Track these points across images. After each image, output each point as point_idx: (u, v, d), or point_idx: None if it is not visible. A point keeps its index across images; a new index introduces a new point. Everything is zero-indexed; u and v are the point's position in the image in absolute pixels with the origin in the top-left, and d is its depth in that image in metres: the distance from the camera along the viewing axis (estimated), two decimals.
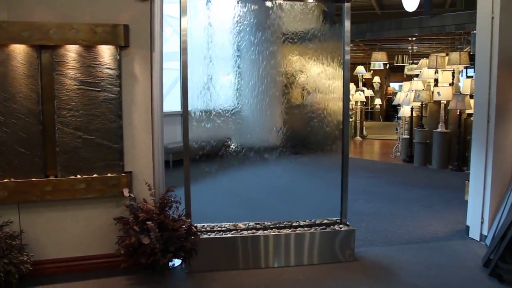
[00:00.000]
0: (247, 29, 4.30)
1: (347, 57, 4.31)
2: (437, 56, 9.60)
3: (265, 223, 4.40)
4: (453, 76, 9.79)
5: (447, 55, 9.62)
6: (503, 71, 4.71)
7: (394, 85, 24.40)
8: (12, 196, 3.72)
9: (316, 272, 4.09)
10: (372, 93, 18.60)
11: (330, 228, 4.30)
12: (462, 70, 9.91)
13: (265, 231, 4.24)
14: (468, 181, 5.29)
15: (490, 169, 4.83)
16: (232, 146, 4.46)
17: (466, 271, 4.16)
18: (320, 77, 4.48)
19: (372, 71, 17.71)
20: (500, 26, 4.65)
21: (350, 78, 4.38)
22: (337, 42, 4.30)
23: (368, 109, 19.92)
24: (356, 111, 14.53)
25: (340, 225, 4.38)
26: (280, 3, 4.28)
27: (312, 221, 4.45)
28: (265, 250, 4.17)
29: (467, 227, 5.17)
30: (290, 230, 4.25)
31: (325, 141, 4.53)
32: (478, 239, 4.97)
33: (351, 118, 14.54)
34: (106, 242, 4.00)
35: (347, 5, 4.23)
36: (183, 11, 3.97)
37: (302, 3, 4.32)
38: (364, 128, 15.11)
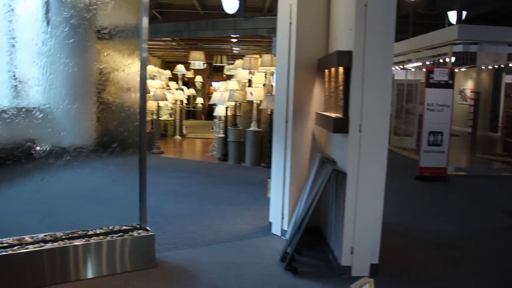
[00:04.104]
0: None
1: (144, 54, 4.07)
2: (251, 57, 9.95)
3: (57, 234, 3.91)
4: (266, 78, 10.26)
5: (261, 57, 10.03)
6: (299, 74, 4.97)
7: (216, 85, 24.97)
8: None
9: (112, 283, 3.77)
10: (194, 92, 18.71)
11: (128, 235, 4.02)
12: (274, 71, 10.43)
13: (55, 243, 3.77)
14: (270, 178, 5.49)
15: (289, 167, 5.07)
16: (23, 148, 3.86)
17: (264, 268, 4.25)
18: (125, 74, 4.15)
19: (193, 70, 17.79)
20: (297, 32, 4.90)
21: (146, 75, 4.14)
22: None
23: (190, 108, 20.01)
24: (176, 110, 14.40)
25: (140, 231, 4.13)
26: None
27: (109, 228, 4.11)
28: (60, 263, 3.71)
29: (270, 223, 5.36)
30: (84, 240, 3.86)
31: (127, 141, 4.21)
32: (279, 234, 5.18)
33: (171, 117, 14.37)
34: None
35: (144, 0, 3.99)
36: None
37: None
38: (184, 127, 15.06)
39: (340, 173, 4.27)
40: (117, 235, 3.98)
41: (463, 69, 16.89)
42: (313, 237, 5.01)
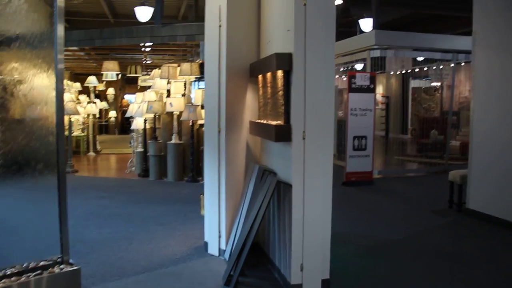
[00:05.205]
0: None
1: (60, 66, 3.51)
2: (169, 66, 9.48)
3: None
4: (185, 87, 9.83)
5: (179, 66, 9.59)
6: (231, 80, 4.64)
7: (129, 97, 24.01)
8: None
9: None
10: (106, 105, 17.73)
11: (48, 272, 3.42)
12: (193, 81, 10.04)
13: None
14: (203, 194, 5.09)
15: (224, 181, 4.70)
16: None
17: None
18: (39, 88, 3.56)
19: (105, 82, 16.86)
20: (228, 35, 4.58)
21: (63, 89, 3.57)
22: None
23: (102, 122, 18.97)
24: (89, 125, 13.49)
25: (62, 266, 3.54)
26: None
27: (24, 266, 3.47)
28: None
29: (206, 243, 4.95)
30: None
31: (42, 160, 3.60)
32: (217, 254, 4.79)
33: (83, 132, 13.44)
34: None
35: (59, 5, 3.43)
36: None
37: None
38: (97, 142, 14.15)
39: (282, 184, 3.98)
40: (33, 273, 3.36)
41: None
42: (253, 254, 4.65)
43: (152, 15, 9.84)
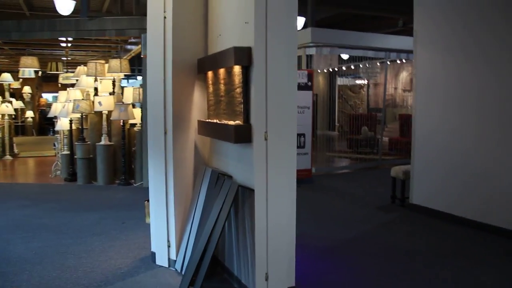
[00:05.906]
0: None
1: None
2: (96, 63, 8.82)
3: None
4: (114, 85, 9.21)
5: (107, 62, 8.96)
6: (177, 77, 4.28)
7: (47, 96, 22.52)
8: None
9: None
10: (22, 104, 16.41)
11: None
12: (122, 79, 9.44)
13: None
14: (148, 201, 4.68)
15: (172, 186, 4.34)
16: None
17: None
18: None
19: (21, 80, 15.58)
20: (174, 27, 4.20)
21: None
22: None
23: (18, 123, 17.56)
24: (4, 126, 12.37)
25: None
26: None
27: None
28: None
29: (153, 254, 4.55)
30: None
31: None
32: (166, 265, 4.42)
33: None
34: None
35: None
36: None
37: None
38: (14, 145, 13.02)
39: (241, 188, 3.70)
40: None
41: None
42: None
43: (76, 8, 9.10)
